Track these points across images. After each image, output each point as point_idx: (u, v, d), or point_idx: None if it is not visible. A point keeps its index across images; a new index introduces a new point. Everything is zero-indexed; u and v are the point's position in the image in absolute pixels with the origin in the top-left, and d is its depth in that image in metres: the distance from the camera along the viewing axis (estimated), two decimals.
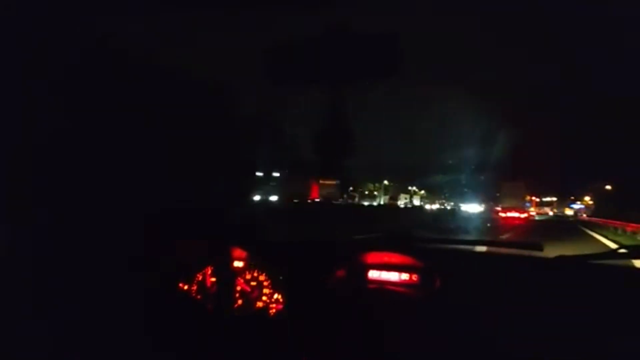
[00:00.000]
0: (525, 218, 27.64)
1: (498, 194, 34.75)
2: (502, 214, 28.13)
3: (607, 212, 22.67)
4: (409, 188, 39.24)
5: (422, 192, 41.21)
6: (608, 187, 32.01)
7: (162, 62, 1.74)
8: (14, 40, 1.30)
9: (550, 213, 45.77)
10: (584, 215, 34.15)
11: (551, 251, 1.61)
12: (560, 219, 37.05)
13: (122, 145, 1.53)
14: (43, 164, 1.33)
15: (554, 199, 50.05)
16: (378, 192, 33.68)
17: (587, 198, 40.52)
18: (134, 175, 1.57)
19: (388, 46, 1.39)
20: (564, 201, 47.40)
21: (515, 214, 27.27)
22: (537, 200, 45.79)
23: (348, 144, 1.61)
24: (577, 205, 43.05)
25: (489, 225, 18.67)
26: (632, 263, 1.88)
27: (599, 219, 22.52)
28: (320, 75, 1.52)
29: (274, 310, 1.61)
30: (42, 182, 1.33)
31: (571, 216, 40.12)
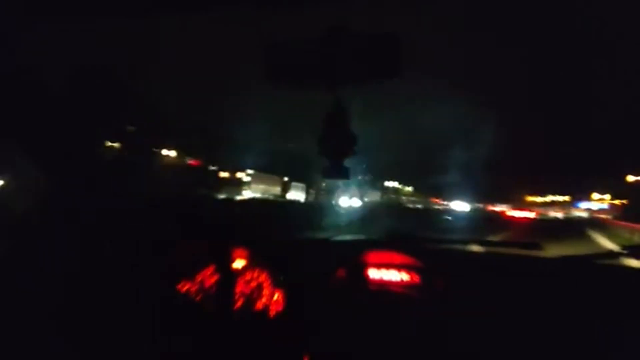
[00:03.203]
0: (531, 217, 28.46)
1: (495, 193, 34.78)
2: (511, 213, 29.28)
3: None
4: (385, 183, 36.25)
5: (407, 188, 38.92)
6: (637, 178, 25.91)
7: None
8: None
9: (553, 214, 37.73)
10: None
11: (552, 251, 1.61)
12: (569, 221, 29.03)
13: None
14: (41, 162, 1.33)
15: (560, 198, 44.85)
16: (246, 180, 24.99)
17: (601, 196, 33.81)
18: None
19: (388, 46, 1.39)
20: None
21: (522, 213, 28.55)
22: (534, 200, 43.42)
23: (349, 145, 1.61)
24: (595, 205, 33.91)
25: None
26: (633, 263, 1.88)
27: None
28: (320, 76, 1.52)
29: (274, 311, 1.61)
30: (41, 181, 1.33)
31: (585, 219, 30.28)
